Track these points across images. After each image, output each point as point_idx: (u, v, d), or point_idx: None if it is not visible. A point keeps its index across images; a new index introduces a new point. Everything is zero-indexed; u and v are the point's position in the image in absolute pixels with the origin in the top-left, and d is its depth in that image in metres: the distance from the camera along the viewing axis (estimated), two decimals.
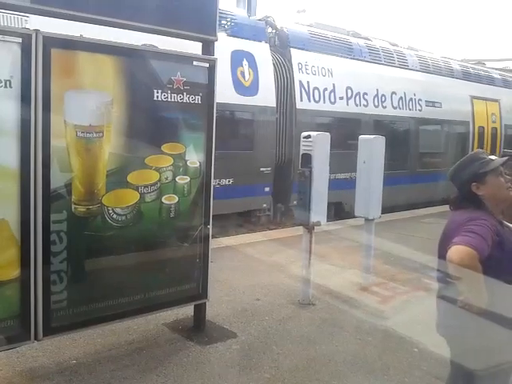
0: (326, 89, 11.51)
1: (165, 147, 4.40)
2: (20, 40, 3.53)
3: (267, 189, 10.68)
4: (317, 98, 11.37)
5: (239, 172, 9.84)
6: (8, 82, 3.51)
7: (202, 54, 4.79)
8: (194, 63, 4.57)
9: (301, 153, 6.04)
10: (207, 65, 4.63)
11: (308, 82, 11.19)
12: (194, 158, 4.64)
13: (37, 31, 3.60)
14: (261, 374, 4.26)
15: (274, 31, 11.38)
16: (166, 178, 4.44)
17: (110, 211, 4.12)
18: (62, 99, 3.78)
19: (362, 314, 5.67)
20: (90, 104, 3.96)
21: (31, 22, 6.44)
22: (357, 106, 12.21)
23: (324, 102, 11.48)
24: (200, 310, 5.01)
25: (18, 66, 3.54)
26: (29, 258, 3.70)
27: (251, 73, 10.03)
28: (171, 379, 4.10)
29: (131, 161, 4.22)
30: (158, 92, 4.30)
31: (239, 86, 9.85)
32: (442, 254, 2.80)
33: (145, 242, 4.43)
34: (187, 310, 5.17)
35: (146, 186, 4.30)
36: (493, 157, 2.98)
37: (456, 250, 2.59)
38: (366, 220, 6.80)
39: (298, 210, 6.21)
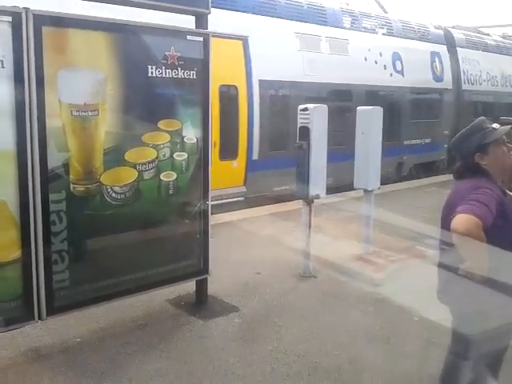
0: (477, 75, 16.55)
1: (161, 124, 4.37)
2: (10, 19, 3.48)
3: (445, 145, 14.22)
4: (472, 82, 16.41)
5: (433, 134, 14.30)
6: (0, 62, 3.46)
7: (196, 27, 4.73)
8: (188, 37, 4.52)
9: (298, 125, 6.00)
10: (201, 39, 4.57)
11: (467, 70, 16.15)
12: (191, 134, 4.62)
13: (26, 9, 3.55)
14: (263, 346, 4.31)
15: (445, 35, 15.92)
16: (164, 155, 4.42)
17: (109, 190, 4.11)
18: (56, 78, 3.74)
19: (363, 285, 5.72)
20: (84, 82, 3.93)
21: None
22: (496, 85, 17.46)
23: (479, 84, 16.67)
24: (202, 286, 5.05)
25: (9, 45, 3.50)
26: (29, 238, 3.72)
27: (439, 66, 14.88)
28: (175, 354, 4.15)
29: (128, 138, 4.20)
30: (152, 68, 4.25)
31: (434, 75, 14.69)
32: (445, 223, 2.80)
33: (145, 219, 4.44)
34: (189, 286, 5.20)
35: (143, 164, 4.29)
36: (495, 125, 2.96)
37: (460, 219, 2.58)
38: (365, 191, 6.80)
39: (297, 184, 6.19)
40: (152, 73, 4.27)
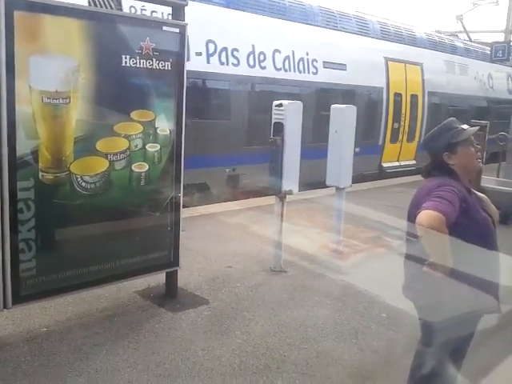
0: None
1: (134, 114, 4.34)
2: None
3: None
4: None
5: None
6: None
7: (173, 18, 4.71)
8: (164, 28, 4.49)
9: (272, 121, 6.02)
10: (177, 30, 4.55)
11: None
12: (165, 126, 4.59)
13: None
14: (232, 339, 4.32)
15: None
16: (136, 146, 4.39)
17: (79, 179, 4.07)
18: (27, 64, 3.67)
19: (333, 279, 5.78)
20: (55, 69, 3.86)
21: None
22: None
23: None
24: (171, 278, 5.03)
25: None
26: None
27: None
28: (143, 345, 4.13)
29: (99, 128, 4.15)
30: (126, 57, 4.22)
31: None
32: (411, 218, 2.87)
33: (115, 210, 4.40)
34: (159, 278, 5.18)
35: (115, 154, 4.25)
36: (465, 126, 3.03)
37: (425, 215, 2.65)
38: (337, 189, 6.86)
39: (270, 179, 6.22)
40: (126, 62, 4.23)
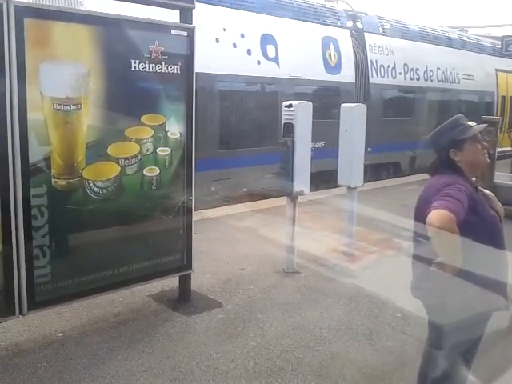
0: None
1: (144, 118, 4.35)
2: None
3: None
4: None
5: None
6: None
7: (180, 22, 4.71)
8: (172, 32, 4.49)
9: (282, 122, 6.01)
10: (185, 33, 4.55)
11: None
12: (175, 129, 4.59)
13: (8, 0, 3.49)
14: (246, 341, 4.32)
15: None
16: (147, 150, 4.40)
17: (91, 184, 4.08)
18: (38, 71, 3.69)
19: (346, 281, 5.76)
20: (66, 75, 3.87)
21: None
22: None
23: None
24: (185, 281, 5.04)
25: None
26: (10, 233, 3.67)
27: None
28: (158, 349, 4.14)
29: (111, 133, 4.16)
30: (135, 62, 4.23)
31: None
32: (419, 218, 2.85)
33: (127, 214, 4.41)
34: (172, 282, 5.19)
35: (126, 159, 4.27)
36: (472, 123, 3.00)
37: (436, 214, 2.62)
38: (349, 188, 6.83)
39: (281, 180, 6.20)
40: (135, 67, 4.24)
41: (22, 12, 3.57)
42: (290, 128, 5.90)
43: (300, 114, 5.92)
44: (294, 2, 11.64)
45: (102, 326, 4.49)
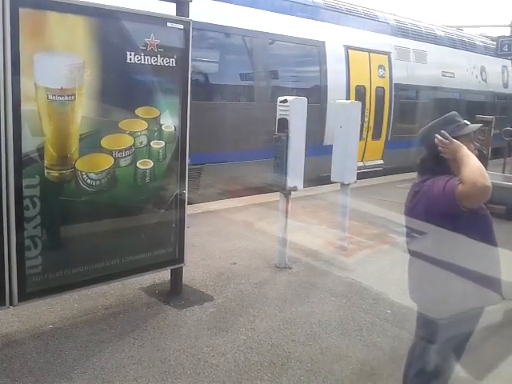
0: None
1: (139, 111, 4.34)
2: None
3: None
4: None
5: None
6: None
7: (177, 15, 4.69)
8: (168, 24, 4.47)
9: (277, 117, 6.01)
10: (182, 26, 4.54)
11: None
12: (169, 123, 4.59)
13: None
14: (237, 335, 4.33)
15: None
16: (141, 143, 4.39)
17: (84, 176, 4.07)
18: (32, 61, 3.67)
19: (338, 276, 5.79)
20: (60, 66, 3.85)
21: None
22: None
23: None
24: (176, 275, 5.04)
25: None
26: (1, 223, 3.67)
27: None
28: (148, 342, 4.14)
29: (104, 125, 4.15)
30: (131, 54, 4.21)
31: None
32: (411, 215, 2.85)
33: (120, 207, 4.40)
34: (164, 275, 5.20)
35: (120, 151, 4.26)
36: (467, 122, 2.98)
37: (466, 181, 2.61)
38: (342, 185, 6.85)
39: (275, 175, 6.21)
40: (131, 59, 4.22)
41: (17, 1, 3.54)
42: (284, 123, 5.90)
43: (295, 110, 5.92)
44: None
45: (93, 318, 4.49)
